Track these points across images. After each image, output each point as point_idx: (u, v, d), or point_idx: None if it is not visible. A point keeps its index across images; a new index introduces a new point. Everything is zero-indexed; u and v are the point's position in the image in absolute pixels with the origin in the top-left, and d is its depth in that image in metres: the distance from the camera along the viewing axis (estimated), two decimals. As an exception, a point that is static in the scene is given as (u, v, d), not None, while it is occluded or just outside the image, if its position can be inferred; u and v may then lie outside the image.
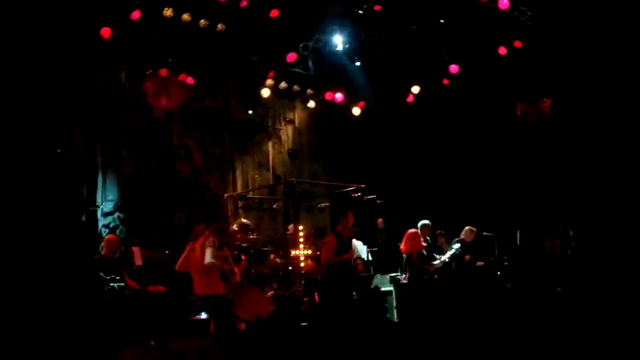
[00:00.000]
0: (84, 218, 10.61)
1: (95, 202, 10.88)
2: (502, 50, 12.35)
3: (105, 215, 11.11)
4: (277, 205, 13.26)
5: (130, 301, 7.45)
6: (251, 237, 11.04)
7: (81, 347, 3.91)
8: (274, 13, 10.73)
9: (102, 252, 8.76)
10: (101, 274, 8.31)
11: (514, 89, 13.16)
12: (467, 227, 11.07)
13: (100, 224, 10.95)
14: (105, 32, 9.80)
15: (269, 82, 12.53)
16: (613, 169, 11.63)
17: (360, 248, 11.37)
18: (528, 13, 11.19)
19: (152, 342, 2.81)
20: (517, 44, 12.09)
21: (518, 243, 12.34)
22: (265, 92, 12.65)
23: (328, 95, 13.62)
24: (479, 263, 10.80)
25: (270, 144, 14.32)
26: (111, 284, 8.23)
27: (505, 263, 11.28)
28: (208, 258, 7.92)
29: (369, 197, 11.92)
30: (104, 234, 10.49)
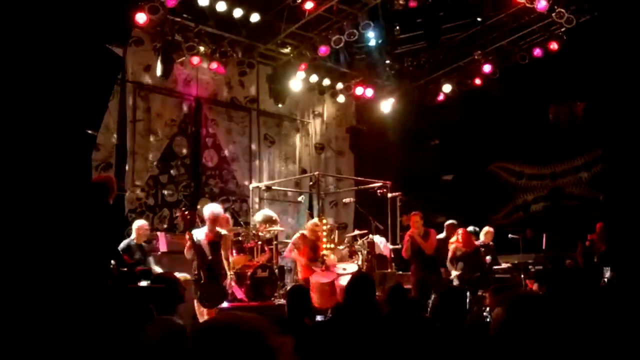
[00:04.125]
0: (111, 202, 10.64)
1: (123, 187, 10.95)
2: (538, 53, 12.26)
3: (132, 200, 11.20)
4: (301, 198, 13.24)
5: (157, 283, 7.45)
6: (275, 228, 11.04)
7: (105, 325, 3.90)
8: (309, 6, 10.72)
9: (132, 237, 8.80)
10: (126, 257, 8.35)
11: (547, 91, 12.99)
12: (486, 228, 10.89)
13: (126, 210, 11.04)
14: (141, 17, 9.86)
15: (300, 74, 12.48)
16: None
17: (382, 245, 11.33)
18: (567, 15, 11.07)
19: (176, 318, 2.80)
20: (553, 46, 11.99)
21: (544, 247, 12.24)
22: (296, 85, 12.60)
23: (358, 91, 13.58)
24: (505, 265, 10.66)
25: (297, 136, 14.31)
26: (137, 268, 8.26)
27: (530, 267, 11.12)
28: None
29: (393, 194, 11.91)
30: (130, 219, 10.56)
